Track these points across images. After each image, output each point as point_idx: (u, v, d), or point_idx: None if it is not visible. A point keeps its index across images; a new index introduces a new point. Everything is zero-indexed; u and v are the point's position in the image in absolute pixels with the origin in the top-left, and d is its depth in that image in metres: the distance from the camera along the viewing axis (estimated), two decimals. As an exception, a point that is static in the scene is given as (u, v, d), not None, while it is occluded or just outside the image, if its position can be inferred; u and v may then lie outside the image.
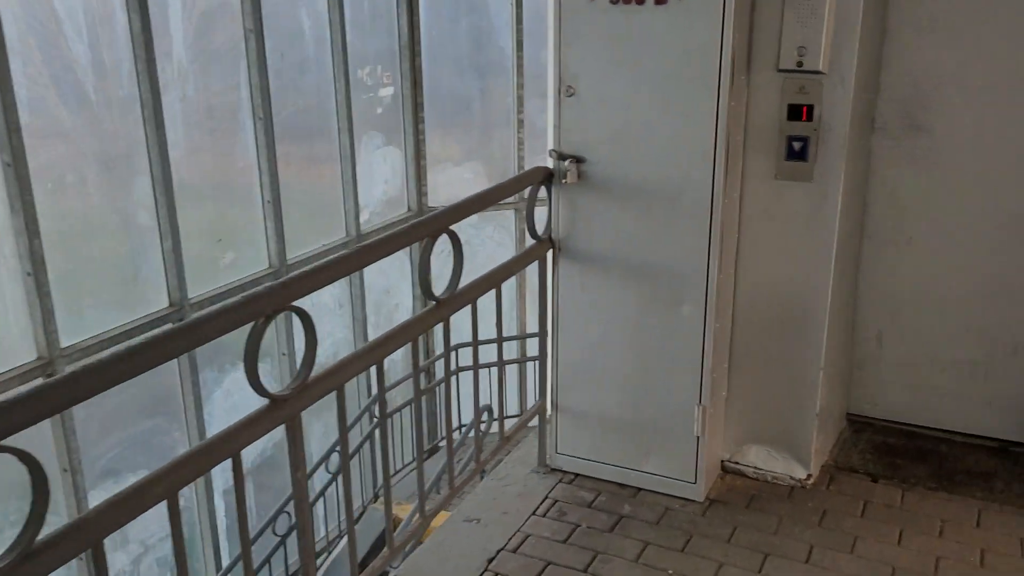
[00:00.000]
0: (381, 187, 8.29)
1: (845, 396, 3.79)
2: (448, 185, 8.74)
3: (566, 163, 3.12)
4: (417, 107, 8.19)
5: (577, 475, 3.42)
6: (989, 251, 3.50)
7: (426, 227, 2.58)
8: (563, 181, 3.13)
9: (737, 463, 3.44)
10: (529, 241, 3.21)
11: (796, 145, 3.09)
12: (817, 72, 3.00)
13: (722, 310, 3.18)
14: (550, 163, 3.19)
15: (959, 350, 3.63)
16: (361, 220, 7.93)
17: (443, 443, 6.96)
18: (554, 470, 3.45)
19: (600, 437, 3.38)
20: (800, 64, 2.99)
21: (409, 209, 8.53)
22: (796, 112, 3.06)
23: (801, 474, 3.35)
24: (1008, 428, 3.61)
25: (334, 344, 7.84)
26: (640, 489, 3.33)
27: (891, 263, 3.66)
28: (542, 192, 3.19)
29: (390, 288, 8.54)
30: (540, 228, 3.23)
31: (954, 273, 3.58)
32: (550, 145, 3.18)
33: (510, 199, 4.18)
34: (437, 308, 2.66)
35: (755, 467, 3.41)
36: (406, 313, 8.73)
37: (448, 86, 8.54)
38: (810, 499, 3.27)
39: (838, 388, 3.63)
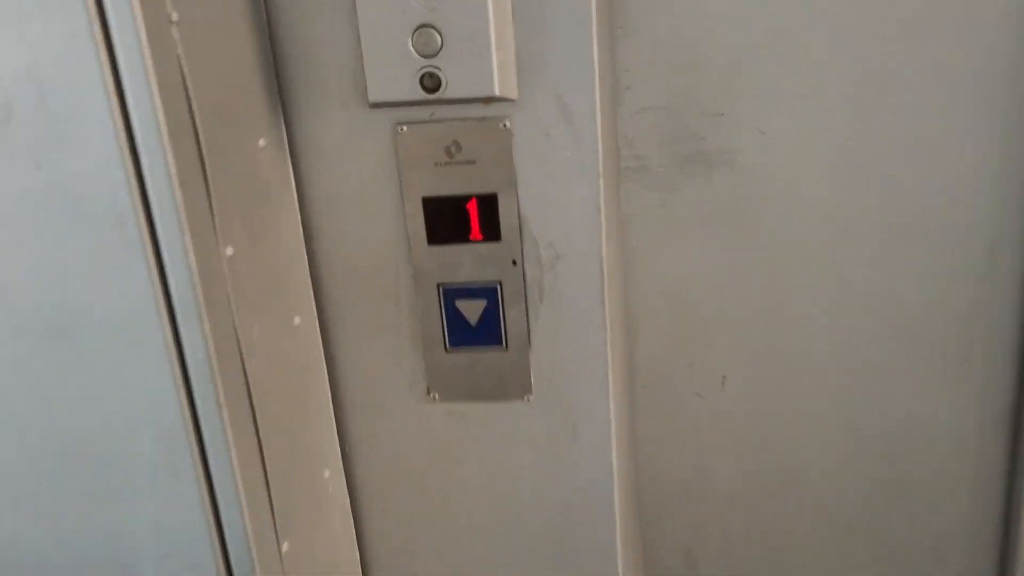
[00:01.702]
0: None
1: None
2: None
3: None
4: None
5: None
6: (852, 377, 1.74)
7: None
8: None
9: None
10: None
11: (467, 309, 1.06)
12: (493, 99, 0.96)
13: None
14: None
15: (832, 553, 1.89)
16: None
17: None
18: None
19: None
20: (433, 84, 0.93)
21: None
22: (451, 219, 1.02)
23: None
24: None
25: None
26: None
27: (691, 425, 1.80)
28: None
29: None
30: None
31: (803, 427, 1.80)
32: None
33: None
34: None
35: None
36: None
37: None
38: None
39: None
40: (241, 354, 0.85)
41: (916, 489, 1.80)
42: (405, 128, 0.99)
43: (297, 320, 1.00)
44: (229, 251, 0.83)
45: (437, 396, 1.10)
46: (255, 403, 0.87)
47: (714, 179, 1.61)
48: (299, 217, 1.02)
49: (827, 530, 1.84)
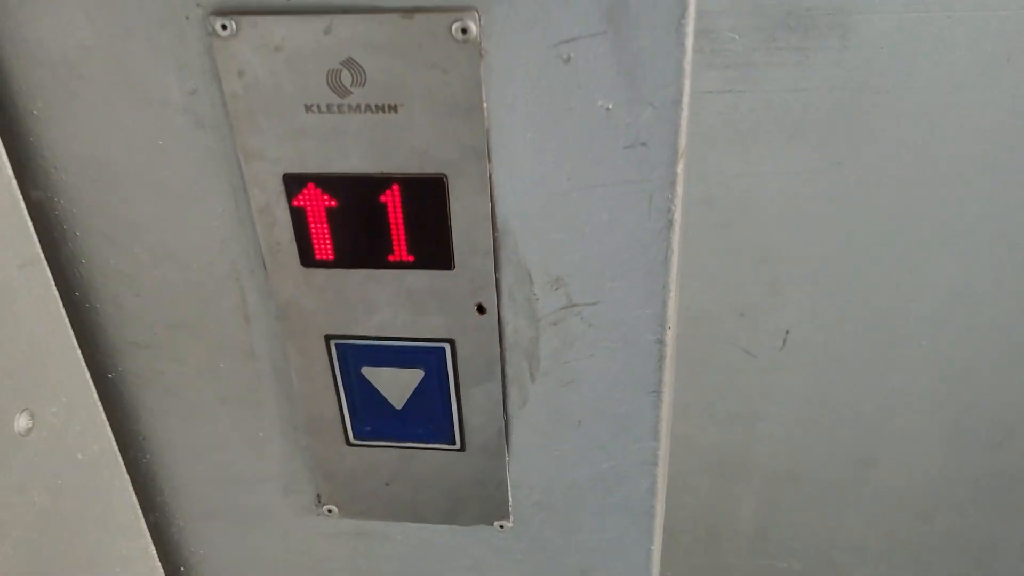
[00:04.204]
0: None
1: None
2: None
3: None
4: None
5: None
6: (959, 348, 1.26)
7: None
8: None
9: None
10: None
11: (387, 382, 0.55)
12: None
13: None
14: None
15: (896, 550, 1.49)
16: None
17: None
18: None
19: None
20: None
21: None
22: (348, 221, 0.49)
23: None
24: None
25: None
26: None
27: (734, 389, 1.34)
28: None
29: None
30: None
31: (881, 403, 1.33)
32: None
33: None
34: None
35: None
36: None
37: None
38: None
39: None
40: None
41: (1020, 486, 1.37)
42: (231, 25, 0.42)
43: (23, 423, 0.48)
44: None
45: (334, 509, 0.60)
46: None
47: (815, 55, 1.04)
48: (20, 206, 0.48)
49: (897, 519, 1.42)
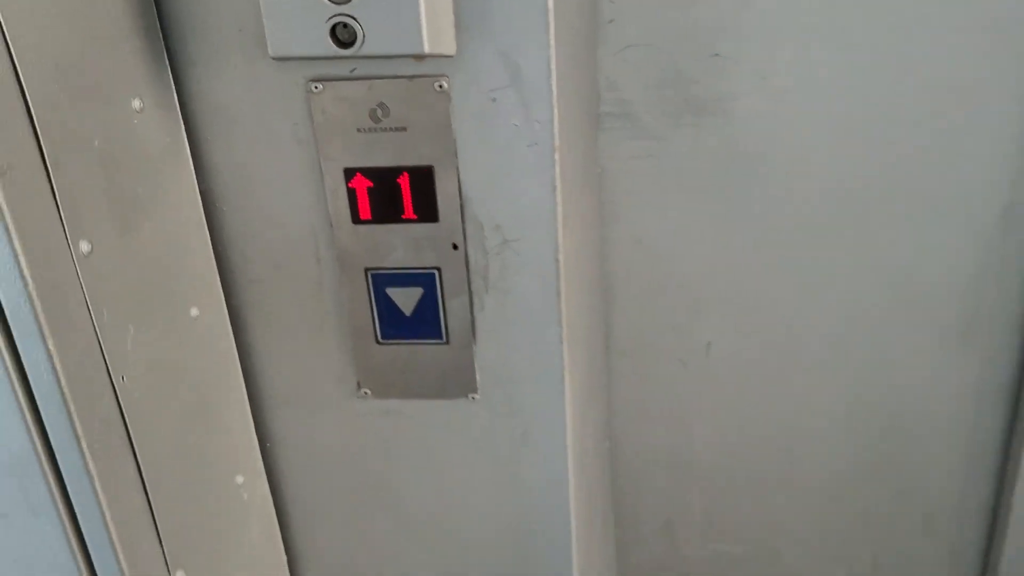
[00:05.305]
0: None
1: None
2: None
3: None
4: None
5: None
6: (846, 348, 1.60)
7: None
8: None
9: None
10: None
11: (401, 298, 0.91)
12: (425, 55, 0.79)
13: None
14: None
15: (818, 524, 1.78)
16: None
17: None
18: None
19: None
20: (348, 37, 0.75)
21: None
22: (379, 195, 0.86)
23: None
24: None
25: None
26: None
27: (672, 394, 1.67)
28: None
29: None
30: None
31: (792, 397, 1.66)
32: None
33: None
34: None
35: None
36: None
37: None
38: None
39: None
40: (108, 366, 0.70)
41: (909, 463, 1.69)
42: (320, 86, 0.81)
43: (195, 312, 0.85)
44: (84, 247, 0.67)
45: (369, 392, 0.96)
46: (129, 419, 0.73)
47: (706, 130, 1.43)
48: (196, 192, 0.86)
49: (813, 502, 1.73)
